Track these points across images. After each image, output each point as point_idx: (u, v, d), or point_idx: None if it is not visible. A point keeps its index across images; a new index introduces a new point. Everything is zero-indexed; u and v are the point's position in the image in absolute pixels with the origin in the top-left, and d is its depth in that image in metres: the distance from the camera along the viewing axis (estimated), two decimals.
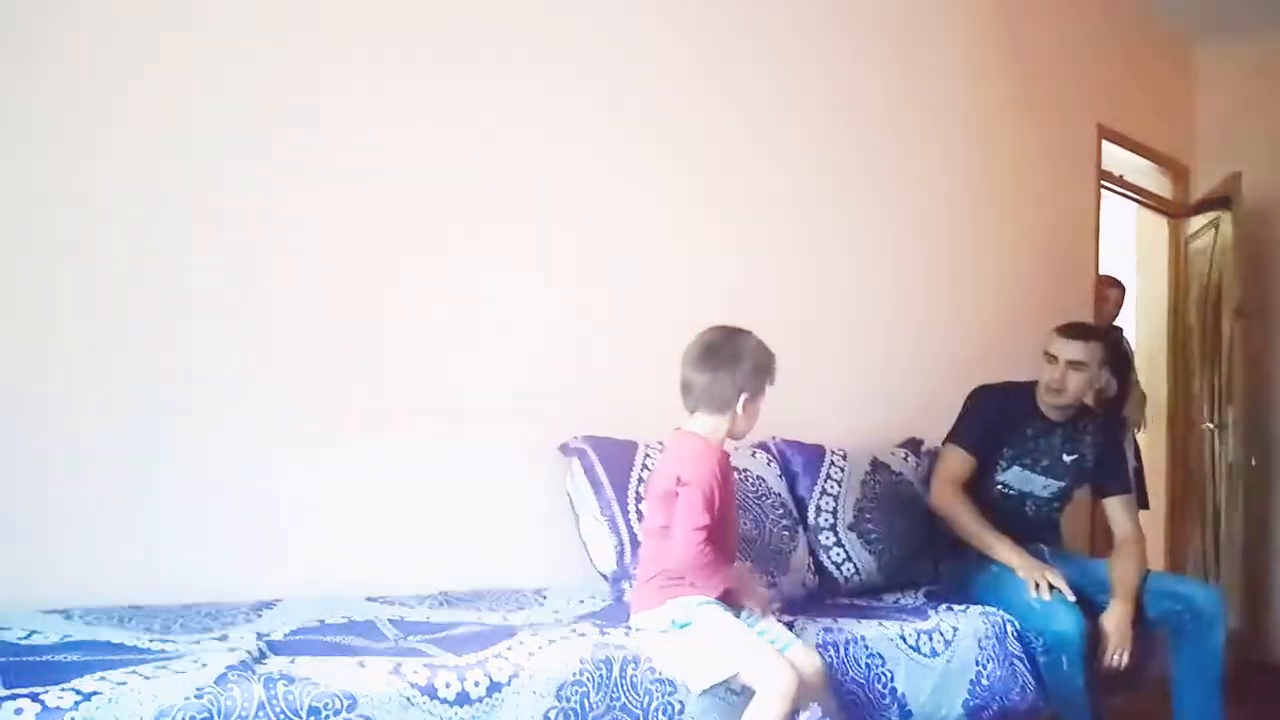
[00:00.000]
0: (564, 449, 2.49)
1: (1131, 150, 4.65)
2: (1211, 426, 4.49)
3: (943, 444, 2.82)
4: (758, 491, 2.63)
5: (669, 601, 1.88)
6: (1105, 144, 4.43)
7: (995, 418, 2.75)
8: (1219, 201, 4.50)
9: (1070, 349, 2.66)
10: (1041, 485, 2.77)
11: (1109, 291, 4.37)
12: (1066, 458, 2.76)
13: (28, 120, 1.92)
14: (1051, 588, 2.41)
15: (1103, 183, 4.47)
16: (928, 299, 3.57)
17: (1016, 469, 2.75)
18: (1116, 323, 4.51)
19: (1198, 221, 4.77)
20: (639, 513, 2.35)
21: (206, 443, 2.09)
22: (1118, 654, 2.44)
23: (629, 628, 1.97)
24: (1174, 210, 4.98)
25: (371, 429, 2.29)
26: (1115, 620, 2.47)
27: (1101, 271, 4.46)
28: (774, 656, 1.81)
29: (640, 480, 2.43)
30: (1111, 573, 2.62)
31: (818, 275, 3.22)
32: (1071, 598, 2.40)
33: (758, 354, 1.96)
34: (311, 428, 2.22)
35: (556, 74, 2.60)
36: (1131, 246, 5.18)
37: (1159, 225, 5.07)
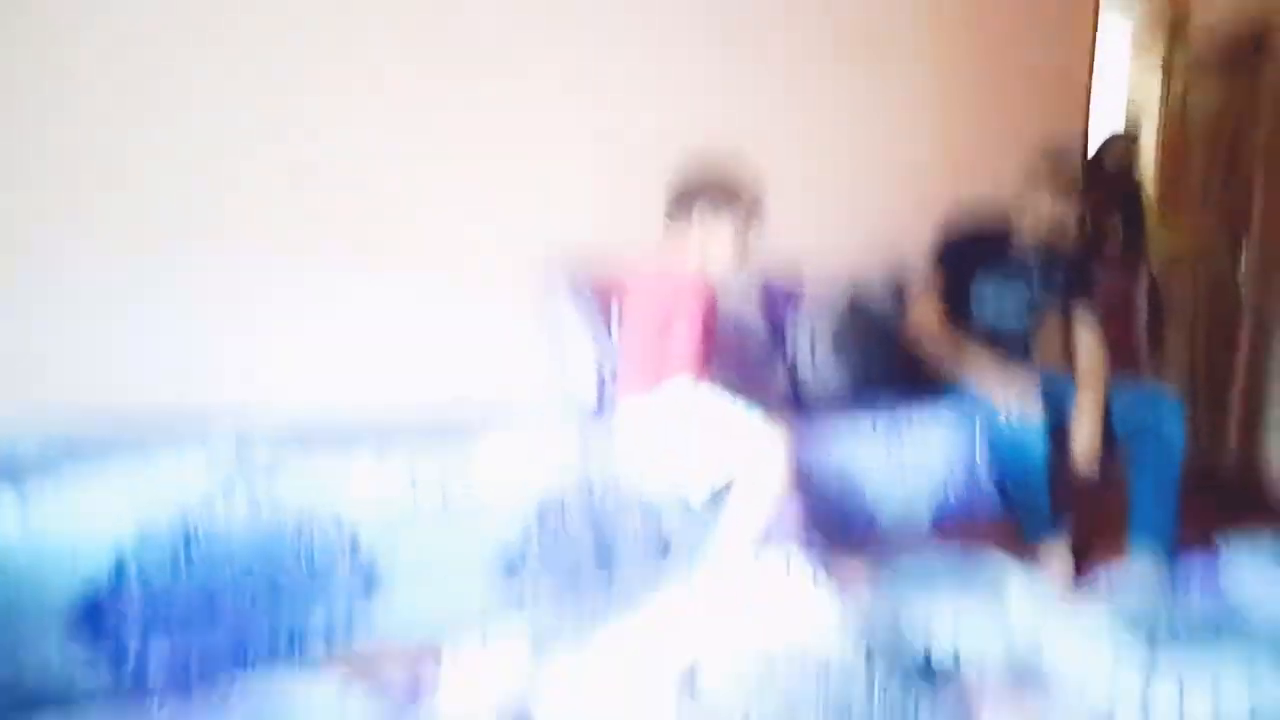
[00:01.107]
0: (546, 266, 2.48)
1: None
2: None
3: (918, 289, 2.82)
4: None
5: (679, 377, 1.98)
6: None
7: (969, 247, 2.74)
8: (1241, 48, 4.34)
9: (1054, 191, 2.64)
10: (1015, 315, 2.80)
11: (1116, 143, 4.22)
12: (1037, 279, 2.77)
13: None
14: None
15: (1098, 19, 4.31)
16: (904, 119, 3.48)
17: (991, 294, 2.77)
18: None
19: (1208, 64, 4.63)
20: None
21: (201, 256, 2.11)
22: (1087, 467, 2.51)
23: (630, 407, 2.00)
24: (1172, 50, 4.83)
25: (358, 249, 2.29)
26: (1082, 426, 2.55)
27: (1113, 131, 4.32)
28: (772, 436, 1.89)
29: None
30: (1077, 376, 2.70)
31: (790, 98, 3.14)
32: (1036, 412, 2.44)
33: (717, 174, 2.03)
34: (297, 245, 2.22)
35: None
36: (1125, 74, 5.05)
37: (1153, 65, 4.93)
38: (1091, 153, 4.23)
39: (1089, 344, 2.80)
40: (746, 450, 1.87)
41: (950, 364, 2.65)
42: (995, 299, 2.80)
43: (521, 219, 2.50)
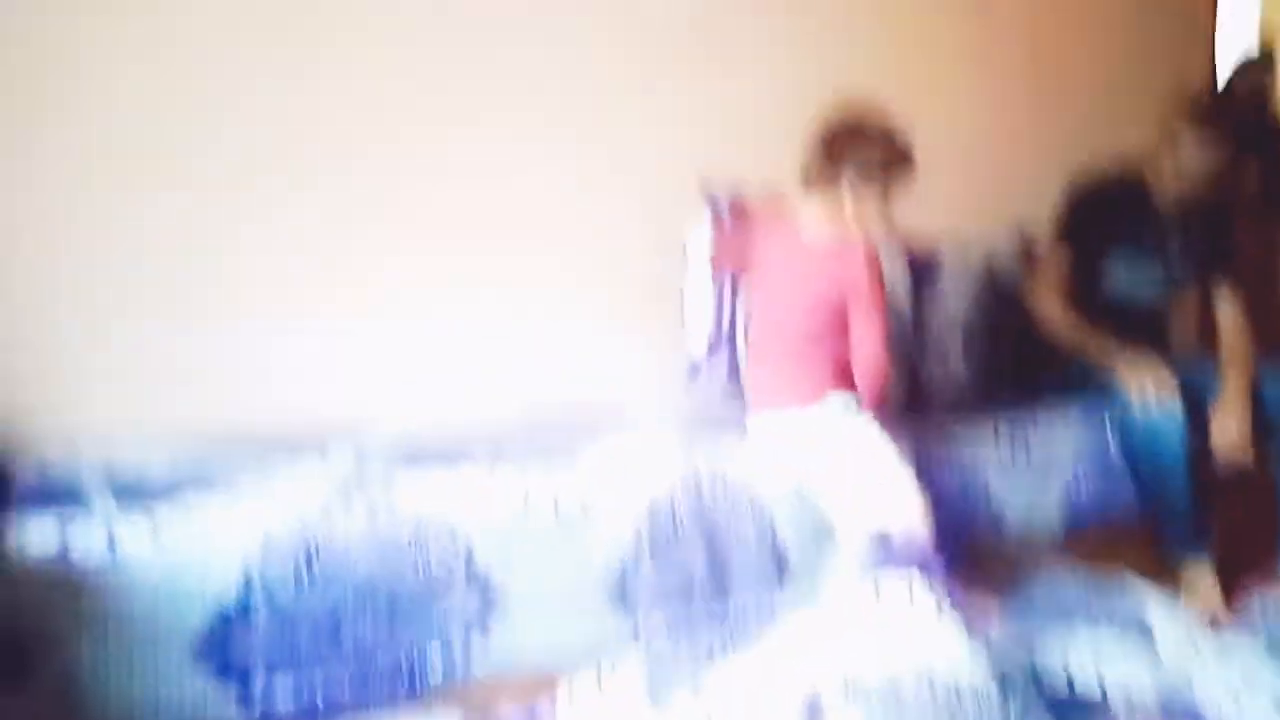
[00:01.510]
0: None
1: None
2: None
3: (1047, 242, 2.65)
4: None
5: (835, 393, 1.87)
6: None
7: (1099, 217, 2.52)
8: None
9: (1197, 136, 2.38)
10: (1149, 281, 2.60)
11: (1252, 73, 3.82)
12: (1174, 248, 2.56)
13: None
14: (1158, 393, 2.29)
15: None
16: (1028, 62, 3.27)
17: (1123, 267, 2.58)
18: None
19: None
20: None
21: (305, 270, 2.12)
22: (1238, 454, 2.33)
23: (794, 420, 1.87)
24: None
25: (462, 258, 2.27)
26: (1229, 412, 2.35)
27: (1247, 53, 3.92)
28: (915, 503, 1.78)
29: None
30: (1223, 360, 2.50)
31: (917, 63, 2.97)
32: (1176, 398, 2.28)
33: (876, 131, 1.84)
34: (403, 257, 2.21)
35: None
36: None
37: None
38: (1222, 84, 3.89)
39: (1233, 320, 2.59)
40: (885, 511, 1.76)
41: (1075, 347, 2.49)
42: (1128, 270, 2.60)
43: (632, 220, 2.44)
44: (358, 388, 2.17)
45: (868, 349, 1.86)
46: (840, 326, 1.85)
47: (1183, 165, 2.42)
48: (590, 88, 2.42)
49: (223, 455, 1.82)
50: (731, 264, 2.10)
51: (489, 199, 2.29)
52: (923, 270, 2.61)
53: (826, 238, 1.86)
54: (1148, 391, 2.28)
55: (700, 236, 2.18)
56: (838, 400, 1.84)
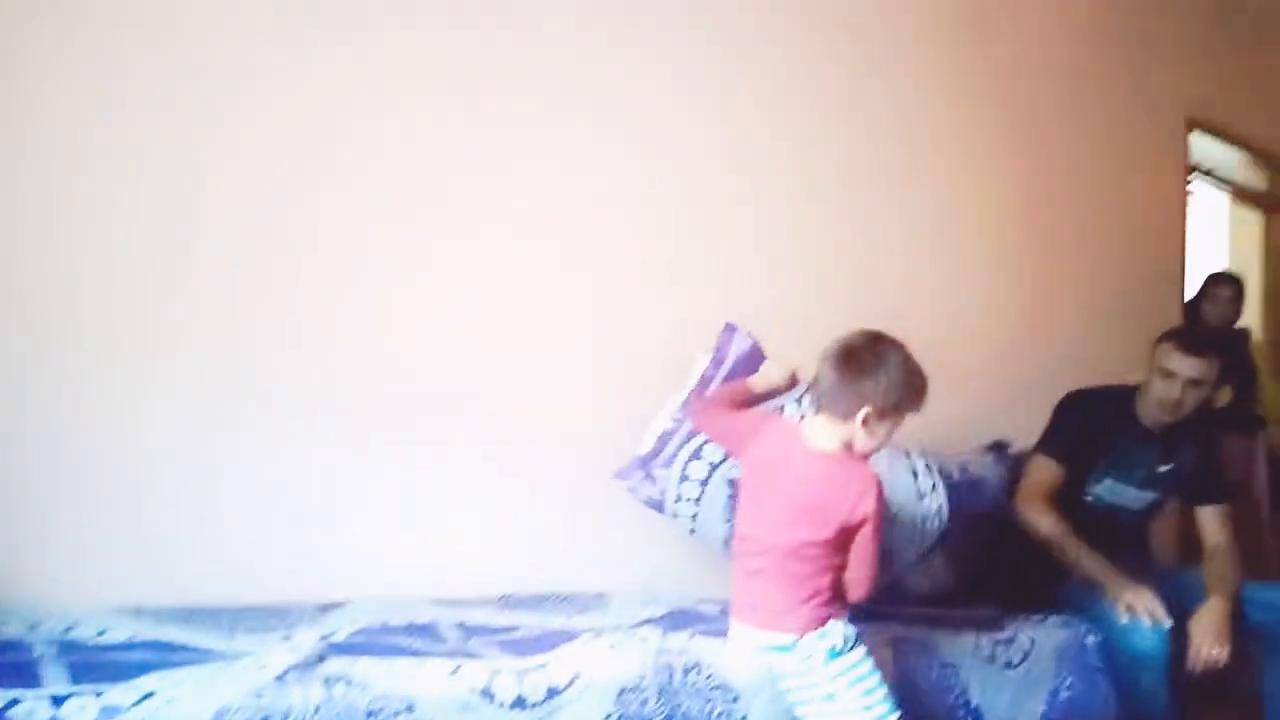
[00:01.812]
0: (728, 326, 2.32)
1: (1223, 141, 4.45)
2: None
3: (1032, 453, 2.65)
4: None
5: (832, 623, 1.79)
6: (1194, 136, 4.24)
7: (1088, 428, 2.58)
8: None
9: (1190, 366, 2.45)
10: (1134, 498, 2.63)
11: (1220, 290, 4.00)
12: (1161, 468, 2.59)
13: (32, 121, 1.96)
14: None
15: (1192, 176, 4.28)
16: (1009, 299, 3.44)
17: (1109, 481, 2.61)
18: (1240, 324, 4.23)
19: None
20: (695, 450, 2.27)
21: (277, 447, 2.13)
22: (1215, 650, 2.27)
23: (784, 647, 1.80)
24: (1273, 204, 4.75)
25: (435, 434, 2.30)
26: (1212, 616, 2.33)
27: (1215, 270, 4.17)
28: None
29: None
30: (1208, 576, 2.49)
31: (891, 277, 3.13)
32: (1168, 623, 2.26)
33: (898, 371, 1.78)
34: (378, 433, 2.23)
35: (571, 73, 2.53)
36: (1224, 242, 4.96)
37: (1253, 219, 4.84)
38: (1194, 293, 4.07)
39: (1220, 536, 2.61)
40: None
41: (1063, 555, 2.47)
42: (1112, 484, 2.63)
43: (605, 407, 2.49)
44: (325, 563, 2.15)
45: (861, 574, 1.82)
46: (839, 544, 1.81)
47: (1163, 389, 2.49)
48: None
49: (184, 629, 1.78)
50: (713, 428, 2.09)
51: (452, 370, 2.34)
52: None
53: (835, 454, 1.82)
54: (1137, 613, 2.26)
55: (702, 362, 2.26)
56: (835, 632, 1.79)
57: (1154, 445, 2.59)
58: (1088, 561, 2.38)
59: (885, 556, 2.24)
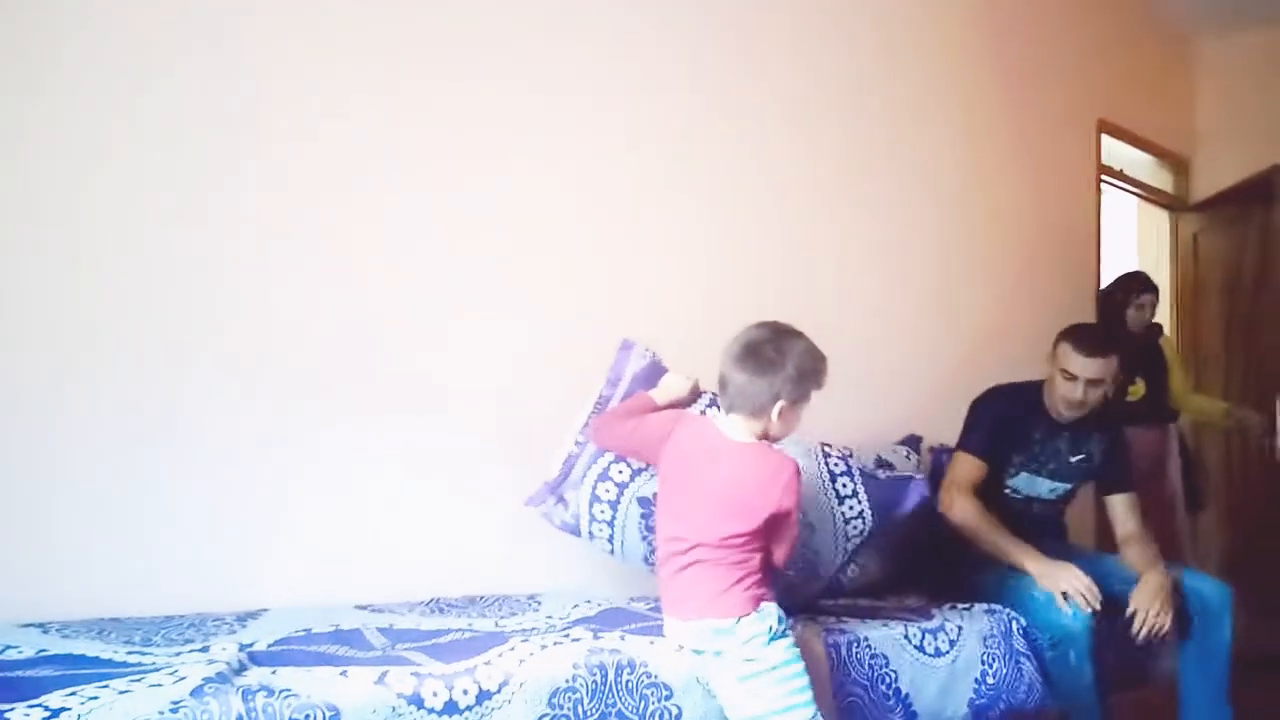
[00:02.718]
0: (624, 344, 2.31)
1: (1132, 145, 4.60)
2: (1255, 417, 4.10)
3: (954, 450, 2.75)
4: None
5: (765, 605, 1.81)
6: (1105, 139, 4.38)
7: (1003, 425, 2.68)
8: (1253, 194, 4.40)
9: (1090, 367, 2.54)
10: (1048, 489, 2.73)
11: (1143, 299, 4.01)
12: (1073, 459, 2.71)
13: (33, 128, 1.91)
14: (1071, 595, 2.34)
15: (1104, 178, 4.42)
16: (925, 297, 3.52)
17: (1024, 474, 2.70)
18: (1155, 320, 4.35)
19: (1219, 215, 4.69)
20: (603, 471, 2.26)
21: (189, 452, 2.05)
22: (1159, 616, 2.36)
23: (725, 630, 1.79)
24: (1177, 204, 4.93)
25: (358, 434, 2.25)
26: (1151, 586, 2.41)
27: (1132, 274, 4.26)
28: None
29: None
30: (1128, 560, 2.57)
31: (812, 277, 3.17)
32: (1097, 606, 2.32)
33: (803, 359, 1.82)
34: (295, 434, 2.18)
35: (540, 76, 2.56)
36: (1133, 240, 5.14)
37: (1161, 219, 5.02)
38: (1106, 285, 4.18)
39: (1133, 525, 2.70)
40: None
41: (987, 544, 2.54)
42: (1027, 477, 2.72)
43: (531, 406, 2.47)
44: (243, 570, 2.08)
45: (783, 549, 1.87)
46: (766, 531, 1.82)
47: (1065, 390, 2.58)
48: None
49: (94, 643, 1.70)
50: (619, 442, 2.10)
51: (375, 369, 2.30)
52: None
53: (756, 448, 1.85)
54: (1069, 594, 2.32)
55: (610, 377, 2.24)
56: (769, 613, 1.80)
57: (1063, 438, 2.68)
58: (1014, 550, 2.45)
59: (811, 561, 2.27)
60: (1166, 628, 2.38)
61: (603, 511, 2.24)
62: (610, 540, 2.26)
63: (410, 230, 2.35)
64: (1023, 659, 2.34)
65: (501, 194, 2.48)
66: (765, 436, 1.86)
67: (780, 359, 1.80)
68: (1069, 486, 2.76)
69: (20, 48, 1.90)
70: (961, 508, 2.57)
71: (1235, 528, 4.46)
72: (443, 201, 2.40)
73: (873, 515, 2.40)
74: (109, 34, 1.99)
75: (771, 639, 1.78)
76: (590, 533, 2.26)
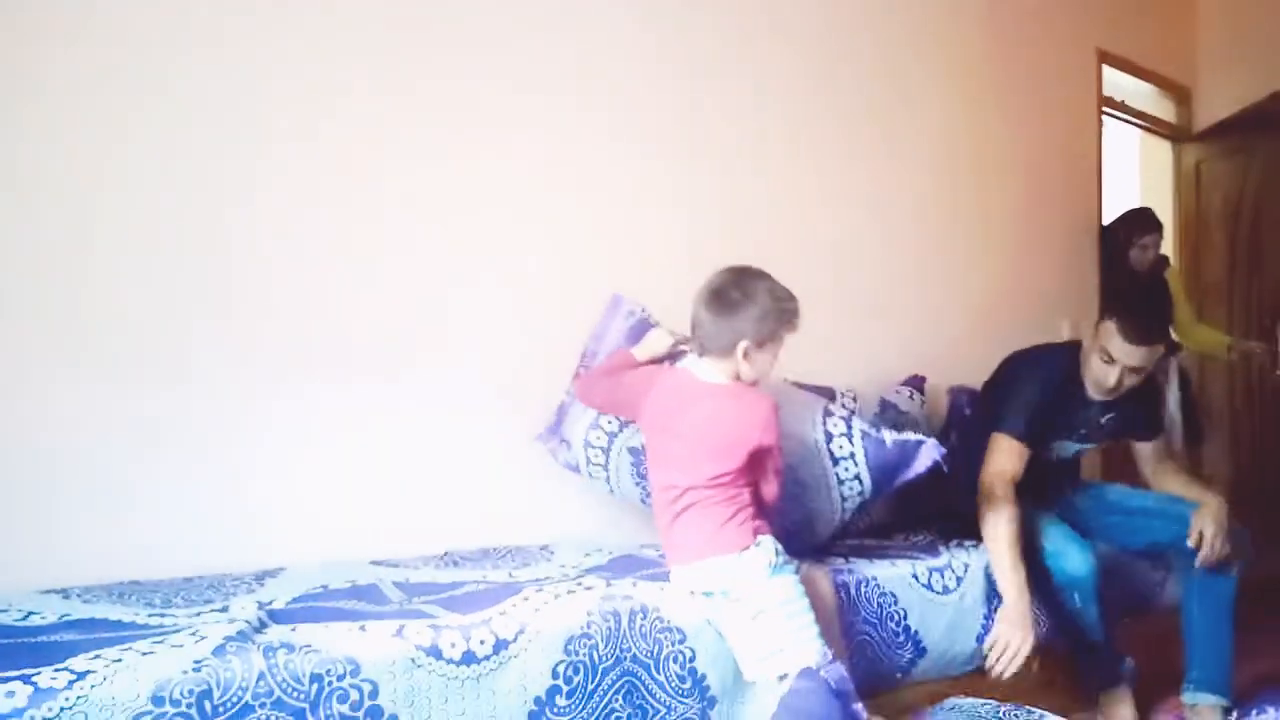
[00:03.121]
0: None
1: (1132, 75, 4.54)
2: (1258, 346, 4.16)
3: (994, 429, 2.51)
4: None
5: (762, 537, 1.84)
6: (1105, 69, 4.32)
7: (1045, 408, 2.52)
8: (1255, 122, 4.35)
9: (1133, 355, 2.40)
10: (1074, 450, 2.70)
11: (1146, 239, 3.99)
12: (1104, 419, 2.61)
13: (31, 127, 1.91)
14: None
15: (1105, 109, 4.37)
16: (927, 238, 3.50)
17: (1057, 443, 2.65)
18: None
19: (1220, 144, 4.65)
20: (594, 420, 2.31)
21: (203, 414, 2.07)
22: (1222, 544, 2.38)
23: (727, 567, 1.83)
24: (1180, 134, 4.88)
25: (369, 391, 2.26)
26: (1212, 511, 2.41)
27: (1136, 211, 4.22)
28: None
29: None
30: (1170, 488, 2.58)
31: (816, 220, 3.15)
32: (1011, 670, 2.22)
33: (766, 299, 1.84)
34: (310, 395, 2.18)
35: (524, 68, 2.52)
36: (1136, 172, 5.09)
37: (1163, 149, 4.97)
38: (1110, 222, 4.17)
39: (1167, 464, 2.69)
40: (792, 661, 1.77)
41: (993, 552, 2.37)
42: (1063, 439, 2.65)
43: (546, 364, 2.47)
44: (260, 530, 2.11)
45: (772, 484, 1.91)
46: (750, 466, 1.86)
47: (1101, 372, 2.45)
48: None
49: (116, 607, 1.73)
50: (602, 399, 2.15)
51: (387, 325, 2.31)
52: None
53: (729, 387, 1.88)
54: (999, 652, 2.23)
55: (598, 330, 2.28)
56: (768, 546, 1.83)
57: (1096, 405, 2.59)
58: (1007, 577, 2.29)
59: (809, 519, 2.27)
60: (1225, 554, 2.38)
61: (596, 455, 2.33)
62: (607, 482, 2.35)
63: (417, 199, 2.35)
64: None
65: (512, 153, 2.49)
66: (737, 378, 1.89)
67: (744, 300, 1.84)
68: (1094, 445, 2.73)
69: (20, 45, 1.88)
70: (999, 511, 2.36)
71: (1240, 458, 4.48)
72: (445, 172, 2.39)
73: (873, 479, 2.35)
74: (107, 32, 1.97)
75: (775, 571, 1.81)
76: (589, 474, 2.36)
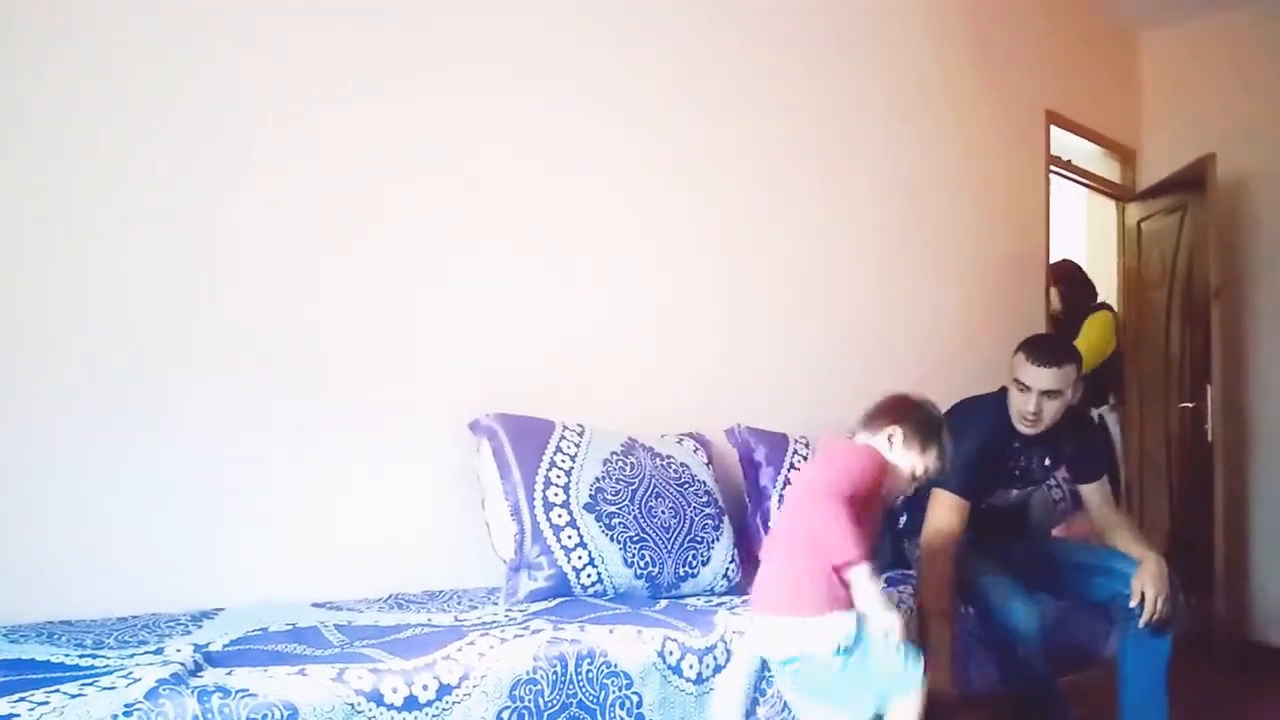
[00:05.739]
0: (473, 427, 2.38)
1: (1080, 135, 4.67)
2: (1188, 406, 4.39)
3: (933, 486, 2.48)
4: (680, 479, 2.47)
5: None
6: (1054, 130, 4.45)
7: (983, 458, 2.54)
8: (1188, 183, 4.50)
9: (1044, 378, 2.46)
10: (1016, 495, 2.74)
11: (1053, 289, 4.30)
12: (1042, 461, 2.67)
13: (27, 123, 1.89)
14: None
15: (1052, 168, 4.49)
16: (881, 286, 3.55)
17: (998, 491, 2.68)
18: (1102, 299, 4.50)
19: (1158, 203, 4.79)
20: (545, 500, 2.28)
21: (141, 451, 2.02)
22: (1164, 603, 2.41)
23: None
24: (1124, 194, 5.02)
25: (314, 434, 2.23)
26: (1152, 572, 2.45)
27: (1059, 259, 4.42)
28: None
29: (552, 465, 2.32)
30: (1116, 542, 2.60)
31: (770, 268, 3.19)
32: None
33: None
34: (250, 435, 2.15)
35: (521, 72, 2.57)
36: (1082, 231, 5.22)
37: (1108, 209, 5.11)
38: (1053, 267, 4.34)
39: (1109, 511, 2.72)
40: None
41: (925, 587, 2.43)
42: (1003, 488, 2.69)
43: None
44: (198, 569, 2.06)
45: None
46: None
47: (1020, 401, 2.51)
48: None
49: (45, 646, 1.67)
50: None
51: (330, 362, 2.29)
52: (769, 453, 2.81)
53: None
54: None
55: None
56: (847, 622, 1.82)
57: (1035, 449, 2.63)
58: (934, 629, 2.33)
59: None
60: (1163, 613, 2.42)
61: (570, 537, 2.25)
62: (599, 580, 2.26)
63: (372, 255, 2.34)
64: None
65: (488, 188, 2.52)
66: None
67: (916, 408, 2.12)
68: (1035, 488, 2.77)
69: (11, 42, 1.86)
70: (937, 571, 2.41)
71: (1176, 510, 4.57)
72: (418, 202, 2.41)
73: None
74: (104, 30, 1.96)
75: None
76: (582, 585, 2.24)
